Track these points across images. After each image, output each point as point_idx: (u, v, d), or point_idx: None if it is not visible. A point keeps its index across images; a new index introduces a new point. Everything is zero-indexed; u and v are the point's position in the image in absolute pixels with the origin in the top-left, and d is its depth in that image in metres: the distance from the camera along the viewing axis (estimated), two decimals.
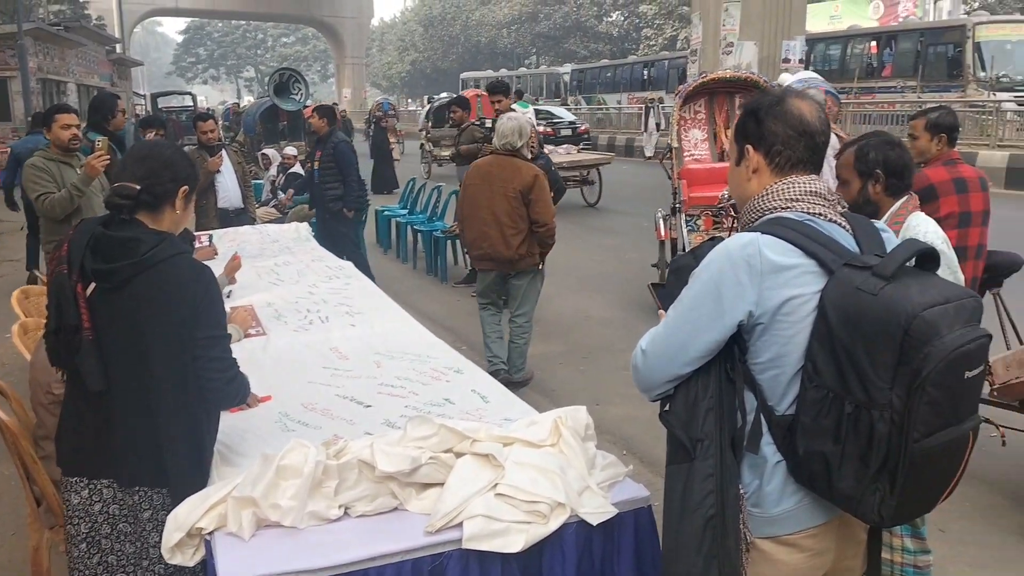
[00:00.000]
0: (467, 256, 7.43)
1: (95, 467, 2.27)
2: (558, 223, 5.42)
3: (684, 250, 6.99)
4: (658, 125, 15.66)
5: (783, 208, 1.76)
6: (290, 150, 11.02)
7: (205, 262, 2.41)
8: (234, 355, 2.33)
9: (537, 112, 17.33)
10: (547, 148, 11.36)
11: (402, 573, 2.01)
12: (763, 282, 1.67)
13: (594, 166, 14.46)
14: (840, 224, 1.77)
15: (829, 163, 4.05)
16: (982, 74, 19.47)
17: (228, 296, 4.26)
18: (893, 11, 33.24)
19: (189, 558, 2.08)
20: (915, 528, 2.88)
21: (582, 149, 17.14)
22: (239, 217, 7.19)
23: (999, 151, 15.68)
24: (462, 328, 6.99)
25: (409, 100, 61.40)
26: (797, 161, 1.79)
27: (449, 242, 9.32)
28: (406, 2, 75.86)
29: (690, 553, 1.72)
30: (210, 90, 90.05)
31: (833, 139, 3.73)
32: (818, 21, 32.05)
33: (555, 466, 2.17)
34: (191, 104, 36.29)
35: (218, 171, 6.96)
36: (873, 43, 23.14)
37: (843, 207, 1.82)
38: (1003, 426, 3.69)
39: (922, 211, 2.97)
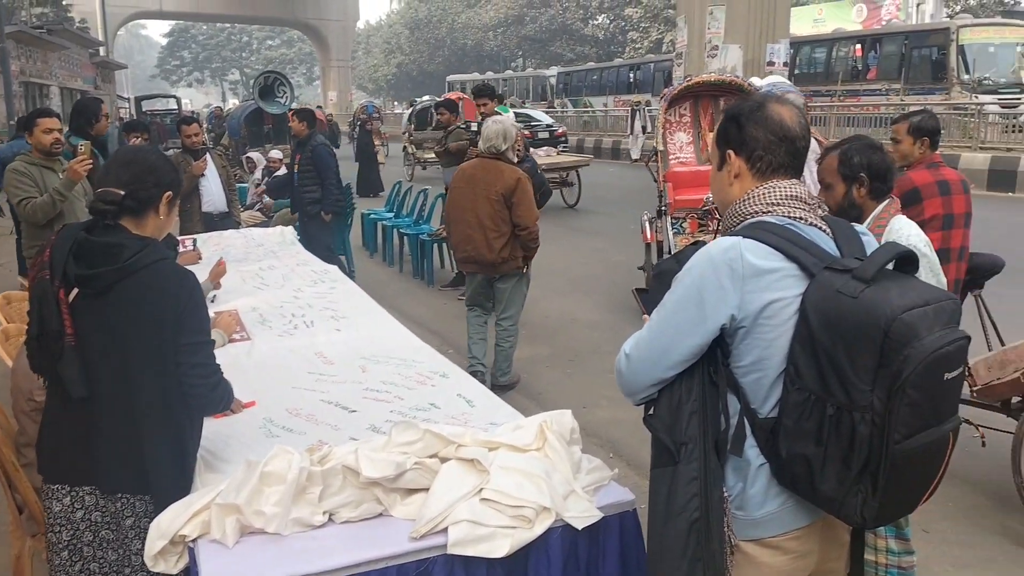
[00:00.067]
0: (453, 259, 7.43)
1: (77, 474, 2.25)
2: (543, 226, 5.43)
3: (670, 252, 7.01)
4: (644, 128, 15.68)
5: (764, 212, 1.78)
6: (275, 153, 10.99)
7: (189, 267, 2.40)
8: (218, 361, 2.32)
9: (516, 115, 17.41)
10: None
11: None
12: (745, 286, 1.68)
13: (573, 168, 14.93)
14: (820, 228, 1.78)
15: (810, 167, 4.07)
16: (966, 77, 19.65)
17: (212, 301, 4.24)
18: (876, 14, 33.50)
19: (172, 566, 2.06)
20: (899, 529, 2.89)
21: (561, 151, 17.47)
22: (224, 221, 7.17)
23: (981, 153, 15.82)
24: (448, 332, 6.98)
25: (395, 103, 61.27)
26: (778, 166, 1.81)
27: (435, 245, 9.31)
28: (392, 5, 75.80)
29: (675, 556, 1.73)
30: (195, 93, 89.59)
31: (813, 143, 3.76)
32: (802, 24, 32.26)
33: (540, 470, 2.17)
34: (175, 107, 36.13)
35: (203, 175, 6.93)
36: (858, 46, 23.29)
37: (823, 211, 1.84)
38: (984, 426, 3.73)
39: (907, 214, 3.00)
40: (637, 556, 2.24)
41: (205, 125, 19.78)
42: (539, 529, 2.07)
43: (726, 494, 1.76)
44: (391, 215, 10.94)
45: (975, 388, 3.83)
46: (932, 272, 2.84)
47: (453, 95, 17.97)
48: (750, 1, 17.93)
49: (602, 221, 13.34)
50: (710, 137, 7.67)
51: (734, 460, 1.76)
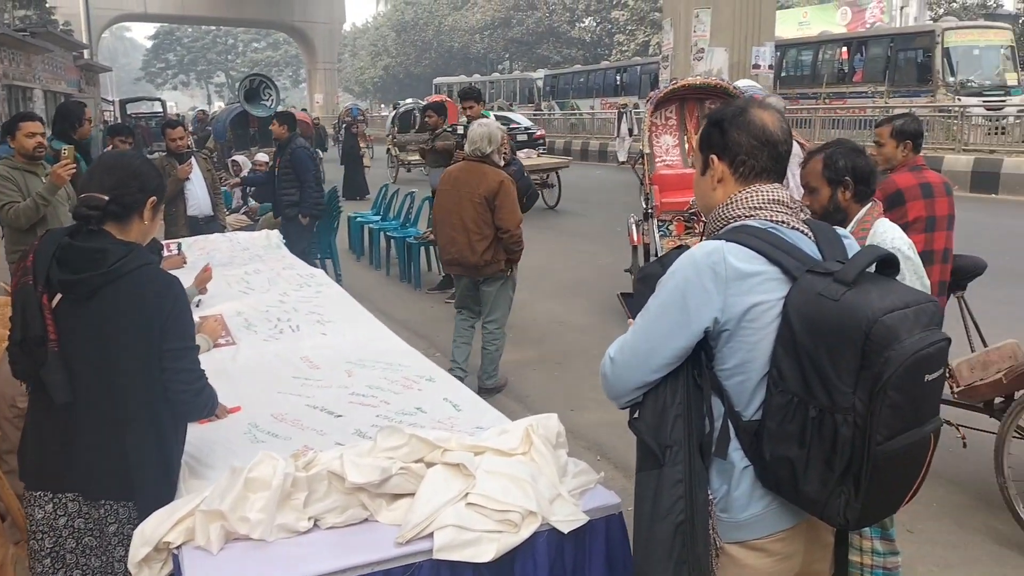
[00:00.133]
0: (440, 262, 7.42)
1: (60, 480, 2.24)
2: (529, 229, 5.43)
3: (657, 255, 7.03)
4: (631, 131, 15.74)
5: (747, 216, 1.79)
6: (261, 156, 10.94)
7: (174, 271, 2.39)
8: (203, 366, 2.32)
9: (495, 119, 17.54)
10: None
11: None
12: (728, 289, 1.69)
13: (553, 169, 15.37)
14: (803, 231, 1.80)
15: (792, 171, 4.10)
16: (951, 79, 19.81)
17: (197, 305, 4.22)
18: (861, 17, 33.72)
19: (156, 573, 2.05)
20: (884, 529, 2.91)
21: (540, 154, 17.77)
22: (209, 225, 7.14)
23: (964, 155, 15.94)
24: (436, 335, 6.97)
25: (382, 105, 61.19)
26: (761, 170, 1.82)
27: (422, 249, 9.30)
28: (378, 7, 75.59)
29: (661, 559, 1.74)
30: (180, 96, 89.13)
31: (796, 147, 3.78)
32: (787, 27, 32.43)
33: (526, 474, 2.17)
34: (160, 110, 35.94)
35: (188, 179, 6.90)
36: (844, 49, 23.44)
37: (806, 214, 1.85)
38: (968, 427, 3.76)
39: (890, 216, 3.02)
40: (623, 559, 2.24)
41: (189, 128, 19.70)
42: (525, 533, 2.07)
43: (711, 497, 1.76)
44: (378, 218, 10.92)
45: (958, 389, 3.86)
46: (916, 275, 2.86)
47: (435, 98, 18.03)
48: (736, 4, 18.03)
49: (589, 224, 13.37)
50: (696, 140, 7.72)
51: (719, 463, 1.77)
